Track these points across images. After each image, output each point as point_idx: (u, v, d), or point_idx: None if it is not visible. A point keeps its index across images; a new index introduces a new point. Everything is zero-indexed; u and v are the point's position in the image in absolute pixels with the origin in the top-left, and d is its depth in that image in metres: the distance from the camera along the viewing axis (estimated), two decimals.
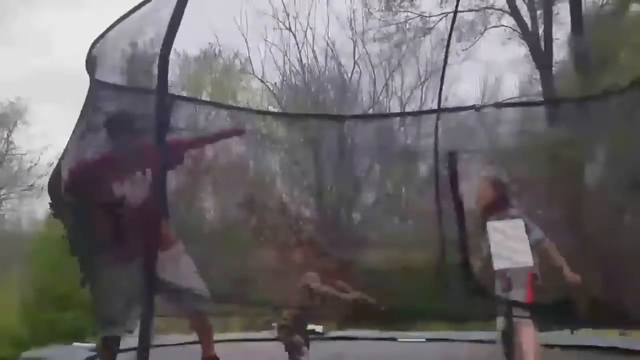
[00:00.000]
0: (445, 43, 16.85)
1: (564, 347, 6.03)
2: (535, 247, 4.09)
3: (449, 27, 16.43)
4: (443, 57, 17.56)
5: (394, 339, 6.99)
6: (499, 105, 6.89)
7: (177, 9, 2.83)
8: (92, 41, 3.64)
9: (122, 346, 3.86)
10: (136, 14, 3.28)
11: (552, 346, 5.95)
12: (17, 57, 29.84)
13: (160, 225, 3.46)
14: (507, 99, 16.19)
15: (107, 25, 3.55)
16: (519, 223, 3.70)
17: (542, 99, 15.06)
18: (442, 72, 4.60)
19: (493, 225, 3.67)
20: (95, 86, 3.62)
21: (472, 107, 4.35)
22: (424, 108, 18.15)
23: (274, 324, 8.69)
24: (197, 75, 19.28)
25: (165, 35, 2.90)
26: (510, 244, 3.56)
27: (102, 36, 3.52)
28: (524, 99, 15.60)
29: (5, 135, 24.58)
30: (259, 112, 17.76)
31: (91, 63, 3.60)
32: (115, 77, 3.76)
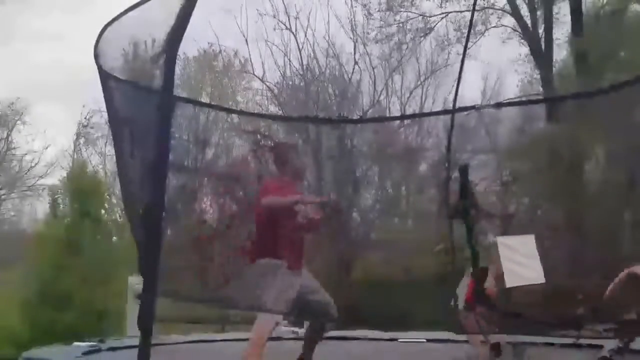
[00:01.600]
0: (447, 43, 17.03)
1: (563, 345, 6.03)
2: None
3: (450, 27, 16.50)
4: (443, 57, 17.73)
5: (394, 339, 6.97)
6: (499, 105, 6.89)
7: (186, 6, 2.80)
8: (92, 42, 3.59)
9: (121, 344, 3.89)
10: (143, 7, 3.23)
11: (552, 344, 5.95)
12: (17, 57, 29.81)
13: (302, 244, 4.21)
14: (508, 99, 16.24)
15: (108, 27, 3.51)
16: (530, 239, 3.65)
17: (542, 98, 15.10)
18: (459, 71, 4.61)
19: (503, 242, 3.61)
20: (104, 78, 3.59)
21: (473, 107, 4.34)
22: (425, 108, 18.19)
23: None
24: (197, 76, 19.31)
25: (172, 33, 2.88)
26: (521, 261, 3.50)
27: (112, 21, 3.44)
28: (524, 99, 15.64)
29: (5, 136, 24.58)
30: (261, 115, 17.84)
31: (99, 52, 3.56)
32: (122, 71, 3.74)
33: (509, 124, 13.30)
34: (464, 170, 4.40)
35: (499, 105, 7.19)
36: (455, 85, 4.19)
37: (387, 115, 18.90)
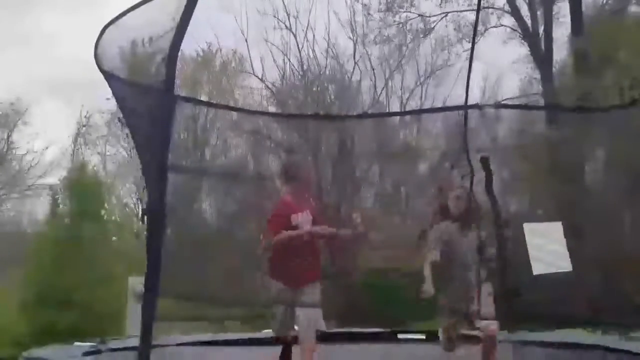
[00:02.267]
0: (447, 44, 17.02)
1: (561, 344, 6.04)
2: None
3: (450, 27, 16.50)
4: (443, 57, 17.73)
5: (394, 337, 6.95)
6: (499, 105, 6.88)
7: (188, 6, 2.80)
8: (93, 41, 3.59)
9: (122, 345, 3.89)
10: (144, 7, 3.22)
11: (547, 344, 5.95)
12: (18, 57, 29.82)
13: (319, 260, 4.74)
14: (507, 99, 16.25)
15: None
16: (557, 226, 3.59)
17: (542, 99, 15.13)
18: (468, 69, 4.58)
19: (530, 228, 3.54)
20: (106, 77, 3.59)
21: (476, 105, 4.33)
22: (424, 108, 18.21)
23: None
24: (196, 75, 19.29)
25: (174, 34, 2.88)
26: (550, 248, 3.45)
27: (112, 22, 3.44)
28: (524, 99, 15.66)
29: (6, 136, 24.58)
30: (260, 112, 17.84)
31: (100, 51, 3.56)
32: (123, 70, 3.74)
33: (510, 123, 13.32)
34: (485, 162, 4.29)
35: (497, 105, 7.17)
36: (466, 82, 4.17)
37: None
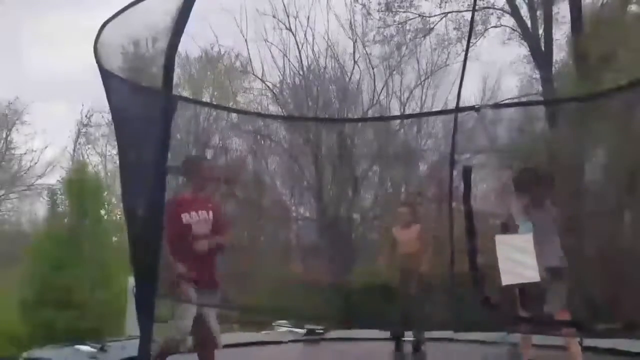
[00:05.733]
0: (446, 43, 17.02)
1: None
2: None
3: (450, 27, 16.50)
4: (443, 57, 17.73)
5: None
6: (498, 105, 6.86)
7: (184, 5, 2.79)
8: (92, 42, 3.57)
9: (122, 355, 3.91)
10: (141, 5, 3.21)
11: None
12: (17, 56, 29.82)
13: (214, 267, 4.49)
14: (507, 99, 16.24)
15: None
16: (528, 237, 3.62)
17: (542, 98, 15.11)
18: (462, 70, 4.58)
19: (501, 239, 3.58)
20: (105, 76, 3.57)
21: (472, 107, 4.31)
22: (424, 109, 18.20)
23: (274, 324, 8.71)
24: (197, 76, 19.29)
25: (171, 32, 2.87)
26: (518, 259, 3.48)
27: (112, 19, 3.42)
28: (523, 99, 15.64)
29: (5, 135, 24.56)
30: (260, 114, 17.82)
31: (99, 50, 3.54)
32: (122, 69, 3.72)
33: (510, 123, 13.32)
34: (466, 172, 4.30)
35: (497, 105, 7.15)
36: (458, 84, 4.15)
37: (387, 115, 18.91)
